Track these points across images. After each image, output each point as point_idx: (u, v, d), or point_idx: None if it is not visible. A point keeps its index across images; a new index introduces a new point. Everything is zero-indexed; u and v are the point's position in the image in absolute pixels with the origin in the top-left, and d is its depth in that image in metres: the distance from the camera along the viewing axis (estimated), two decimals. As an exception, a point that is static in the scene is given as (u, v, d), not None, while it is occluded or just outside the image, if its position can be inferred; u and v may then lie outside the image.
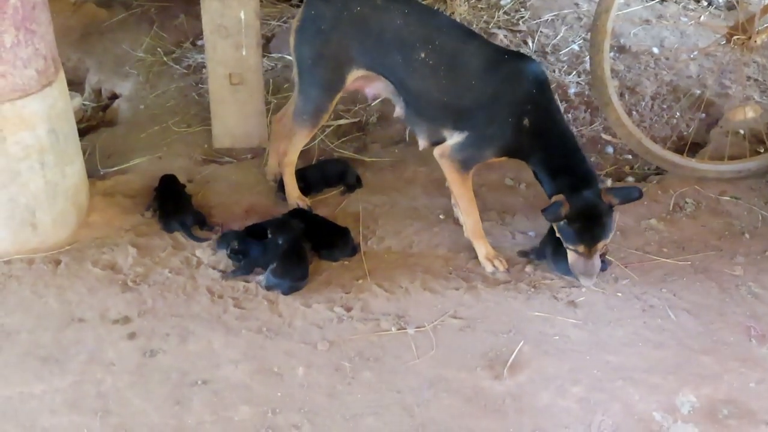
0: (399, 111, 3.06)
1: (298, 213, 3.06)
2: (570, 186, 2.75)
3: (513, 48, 4.17)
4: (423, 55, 2.86)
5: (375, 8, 2.92)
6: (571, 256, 2.80)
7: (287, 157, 3.18)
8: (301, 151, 3.42)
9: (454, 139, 2.92)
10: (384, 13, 2.91)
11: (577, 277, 2.82)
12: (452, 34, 2.93)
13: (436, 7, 4.34)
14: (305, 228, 2.95)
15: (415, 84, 2.93)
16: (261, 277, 2.84)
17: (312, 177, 3.29)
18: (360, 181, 3.34)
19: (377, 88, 3.07)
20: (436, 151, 2.97)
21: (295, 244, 2.88)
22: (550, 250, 2.93)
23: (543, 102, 2.87)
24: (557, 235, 2.80)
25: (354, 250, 2.99)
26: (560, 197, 2.72)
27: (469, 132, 2.89)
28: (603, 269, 2.86)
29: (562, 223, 2.74)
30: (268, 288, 2.81)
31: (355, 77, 2.99)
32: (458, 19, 4.32)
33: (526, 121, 2.83)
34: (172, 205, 3.11)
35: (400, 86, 2.96)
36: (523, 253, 3.02)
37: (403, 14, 2.91)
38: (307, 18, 2.96)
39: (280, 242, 2.85)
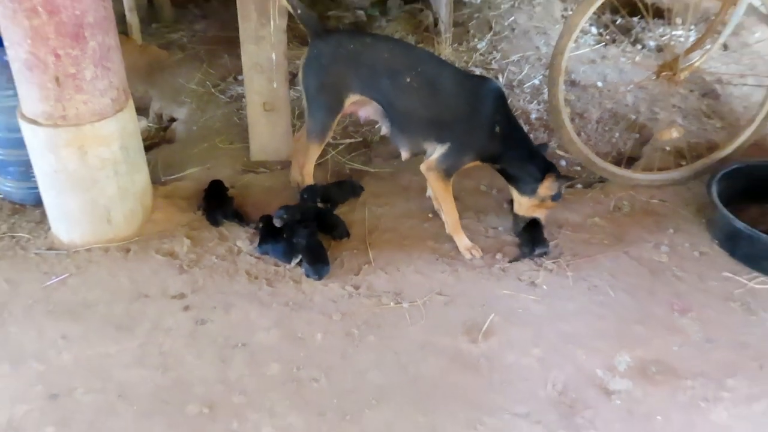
0: (385, 129, 3.05)
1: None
2: (543, 166, 2.92)
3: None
4: (408, 80, 2.85)
5: (365, 45, 2.92)
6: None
7: (306, 168, 3.18)
8: (319, 164, 3.44)
9: (437, 151, 2.91)
10: (373, 49, 2.91)
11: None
12: (430, 63, 2.92)
13: (426, 49, 4.35)
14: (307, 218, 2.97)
15: (401, 104, 2.91)
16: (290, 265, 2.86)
17: (331, 193, 3.25)
18: (362, 189, 3.31)
19: (368, 111, 3.05)
20: (423, 166, 2.96)
21: (317, 240, 2.88)
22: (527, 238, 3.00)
23: (506, 112, 2.93)
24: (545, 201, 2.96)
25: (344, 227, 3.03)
26: (552, 175, 2.89)
27: (451, 142, 2.89)
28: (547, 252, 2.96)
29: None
30: (307, 275, 2.80)
31: (351, 101, 2.97)
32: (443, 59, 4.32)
33: (497, 129, 2.86)
34: (217, 203, 3.12)
35: (388, 107, 2.94)
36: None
37: (388, 49, 2.91)
38: (311, 56, 2.94)
39: (301, 239, 2.84)
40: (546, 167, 2.93)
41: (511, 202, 3.08)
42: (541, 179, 2.90)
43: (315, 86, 2.97)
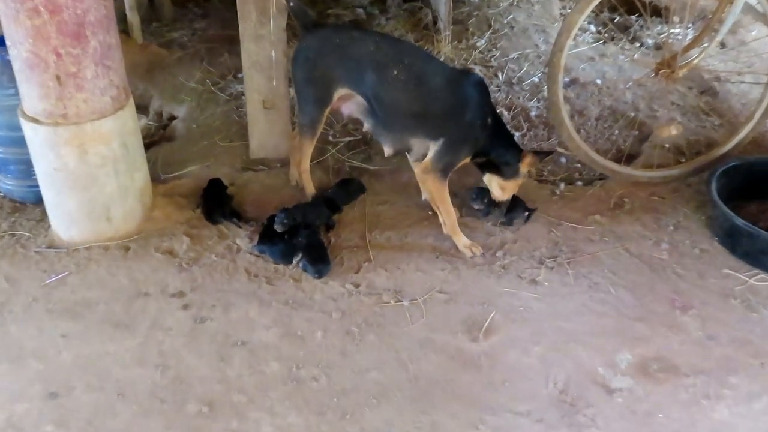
0: (367, 126, 2.99)
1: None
2: (517, 147, 2.95)
3: (486, 79, 4.14)
4: (395, 72, 2.79)
5: (352, 39, 2.88)
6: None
7: (302, 165, 3.16)
8: (319, 162, 3.40)
9: (431, 150, 2.86)
10: (359, 42, 2.86)
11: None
12: (417, 56, 2.88)
13: (425, 48, 4.31)
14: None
15: (387, 97, 2.84)
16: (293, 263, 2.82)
17: (336, 196, 3.17)
18: (365, 188, 3.27)
19: (350, 108, 3.00)
20: (418, 170, 2.92)
21: (317, 239, 2.86)
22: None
23: (491, 103, 2.93)
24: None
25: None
26: (528, 153, 2.92)
27: (445, 137, 2.83)
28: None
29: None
30: (305, 271, 2.77)
31: (339, 95, 2.93)
32: (443, 58, 4.28)
33: (489, 120, 2.85)
34: (215, 202, 3.08)
35: (373, 101, 2.87)
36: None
37: (374, 42, 2.86)
38: (299, 49, 2.92)
39: (301, 239, 2.81)
40: (518, 148, 2.94)
41: (481, 201, 3.08)
42: (519, 159, 2.89)
43: (303, 79, 2.94)
